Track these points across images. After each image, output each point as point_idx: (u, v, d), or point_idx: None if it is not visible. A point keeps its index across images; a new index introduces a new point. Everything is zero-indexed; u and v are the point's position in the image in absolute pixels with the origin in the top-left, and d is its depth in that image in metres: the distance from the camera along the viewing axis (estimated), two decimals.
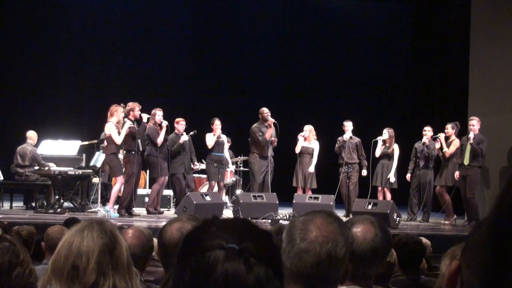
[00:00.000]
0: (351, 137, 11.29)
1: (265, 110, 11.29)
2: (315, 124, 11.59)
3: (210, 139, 11.37)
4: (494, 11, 11.84)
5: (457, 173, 10.61)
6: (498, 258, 0.75)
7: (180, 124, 11.01)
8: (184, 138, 10.95)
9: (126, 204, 9.94)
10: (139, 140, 10.00)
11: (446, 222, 10.82)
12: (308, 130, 11.34)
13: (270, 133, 11.12)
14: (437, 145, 10.89)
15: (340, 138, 11.39)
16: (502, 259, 0.74)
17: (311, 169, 11.22)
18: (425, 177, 10.90)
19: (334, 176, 11.47)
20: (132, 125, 9.94)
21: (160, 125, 10.57)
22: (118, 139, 9.69)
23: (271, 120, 11.13)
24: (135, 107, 10.04)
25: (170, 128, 10.91)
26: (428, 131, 11.04)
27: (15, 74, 14.97)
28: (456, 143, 10.71)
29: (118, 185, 9.83)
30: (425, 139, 10.99)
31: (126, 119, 9.86)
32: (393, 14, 16.36)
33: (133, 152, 9.92)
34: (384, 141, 11.28)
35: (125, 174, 9.90)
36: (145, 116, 10.20)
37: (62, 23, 15.47)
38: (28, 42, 15.12)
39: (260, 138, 11.09)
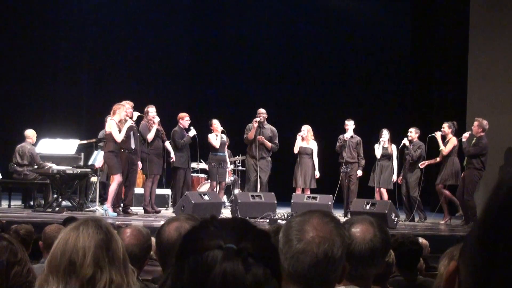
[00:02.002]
0: (352, 136, 11.25)
1: (259, 110, 11.27)
2: (314, 124, 11.56)
3: (215, 139, 11.33)
4: (493, 11, 11.84)
5: (463, 173, 10.61)
6: (486, 261, 0.76)
7: (185, 120, 11.02)
8: (193, 132, 10.96)
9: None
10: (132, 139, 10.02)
11: (442, 222, 10.83)
12: (306, 130, 11.29)
13: (253, 133, 11.07)
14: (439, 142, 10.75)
15: (341, 136, 11.32)
16: (489, 263, 0.76)
17: (317, 173, 11.19)
18: (409, 178, 10.90)
19: (333, 176, 11.44)
20: (133, 125, 9.96)
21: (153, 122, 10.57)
22: (119, 137, 9.69)
23: (255, 119, 11.11)
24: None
25: (170, 125, 10.88)
26: (410, 132, 11.00)
27: (14, 72, 14.95)
28: (453, 141, 10.63)
29: (114, 184, 9.83)
30: (405, 141, 10.93)
31: (128, 118, 9.88)
32: (392, 14, 16.34)
33: (127, 151, 9.90)
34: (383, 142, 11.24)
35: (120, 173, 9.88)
36: (135, 115, 10.19)
37: (61, 21, 15.45)
38: (26, 40, 15.09)
39: (244, 135, 11.15)
